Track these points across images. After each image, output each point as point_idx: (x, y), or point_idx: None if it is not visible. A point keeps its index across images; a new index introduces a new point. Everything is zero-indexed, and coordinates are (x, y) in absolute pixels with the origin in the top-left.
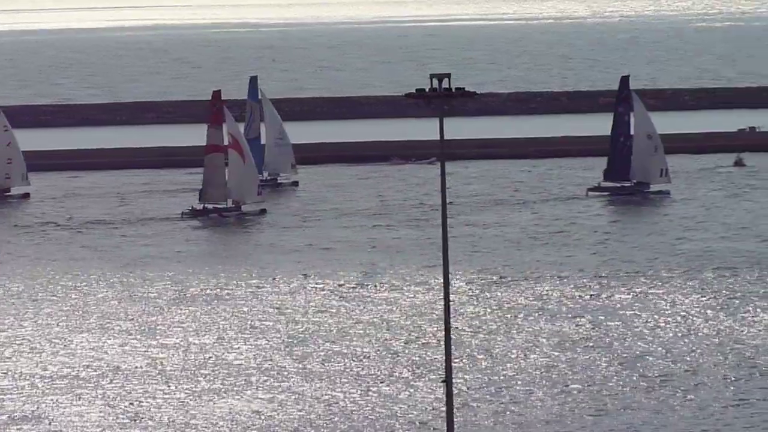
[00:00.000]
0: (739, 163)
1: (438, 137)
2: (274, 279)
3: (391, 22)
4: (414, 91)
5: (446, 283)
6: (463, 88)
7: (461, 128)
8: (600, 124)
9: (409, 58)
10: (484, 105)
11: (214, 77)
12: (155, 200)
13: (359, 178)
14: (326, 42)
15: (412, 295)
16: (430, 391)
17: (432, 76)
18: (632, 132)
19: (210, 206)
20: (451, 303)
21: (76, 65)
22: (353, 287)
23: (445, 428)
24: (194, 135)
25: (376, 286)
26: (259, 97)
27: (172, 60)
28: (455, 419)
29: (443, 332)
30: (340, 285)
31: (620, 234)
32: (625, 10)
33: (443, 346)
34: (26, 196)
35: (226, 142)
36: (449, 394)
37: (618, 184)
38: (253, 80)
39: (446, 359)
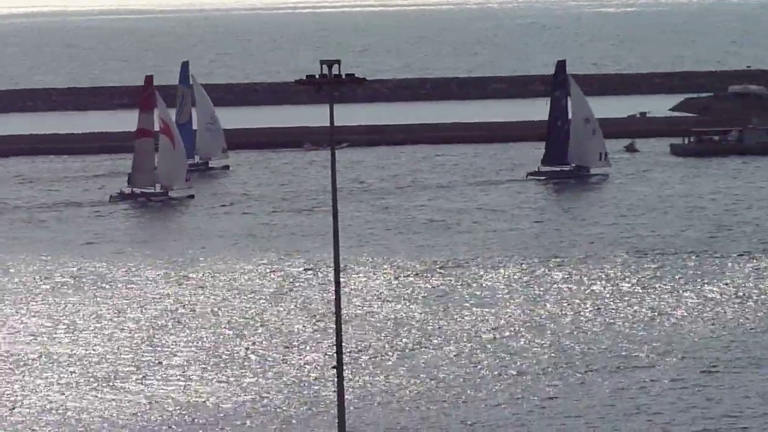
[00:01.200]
0: (630, 149)
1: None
2: (176, 265)
3: (284, 8)
4: (304, 78)
5: (337, 270)
6: (353, 75)
7: (353, 114)
8: (495, 111)
9: (302, 45)
10: (375, 92)
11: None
12: (85, 185)
13: (284, 163)
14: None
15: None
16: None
17: (322, 62)
18: (569, 116)
19: (138, 191)
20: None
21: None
22: (259, 274)
23: (337, 415)
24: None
25: (280, 272)
26: (191, 82)
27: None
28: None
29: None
30: (246, 272)
31: (553, 216)
32: None
33: (335, 332)
34: None
35: (156, 127)
36: (340, 382)
37: (557, 168)
38: (185, 65)
39: (337, 345)
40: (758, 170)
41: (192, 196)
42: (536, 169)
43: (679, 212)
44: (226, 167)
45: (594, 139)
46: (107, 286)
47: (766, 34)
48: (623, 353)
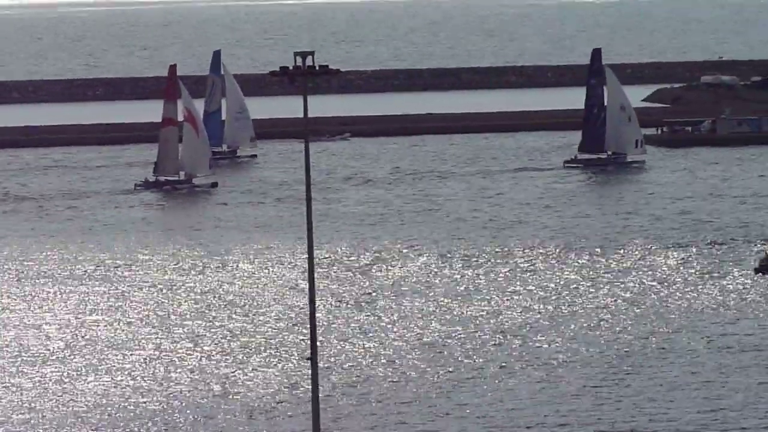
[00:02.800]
0: None
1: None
2: (183, 253)
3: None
4: (278, 69)
5: (311, 262)
6: (327, 66)
7: (328, 106)
8: (469, 100)
9: (273, 36)
10: (348, 83)
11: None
12: (112, 174)
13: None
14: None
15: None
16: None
17: (296, 54)
18: (606, 103)
19: (163, 179)
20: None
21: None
22: (256, 265)
23: (311, 406)
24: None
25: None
26: (222, 71)
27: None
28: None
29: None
30: (236, 263)
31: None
32: None
33: (309, 324)
34: None
35: (180, 117)
36: (314, 373)
37: (594, 156)
38: (216, 54)
39: (311, 337)
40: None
41: (215, 184)
42: (573, 157)
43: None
44: (254, 156)
45: (630, 126)
46: (114, 274)
47: (738, 25)
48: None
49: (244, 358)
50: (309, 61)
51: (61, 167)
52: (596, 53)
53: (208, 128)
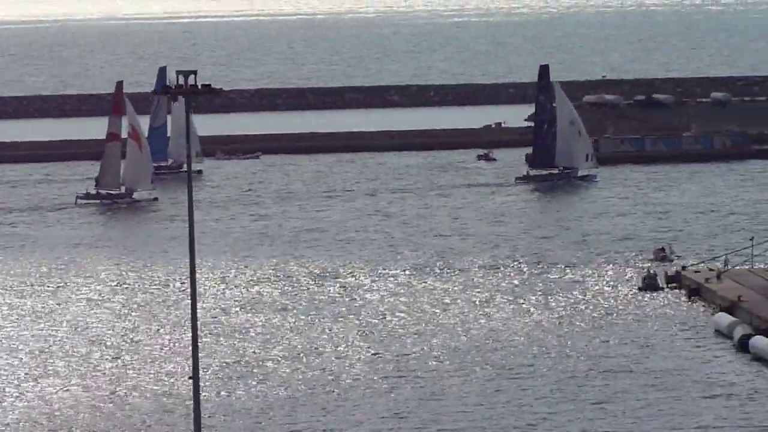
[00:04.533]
0: (485, 158)
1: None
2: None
3: (149, 18)
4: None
5: (192, 278)
6: (209, 85)
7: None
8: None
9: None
10: (231, 101)
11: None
12: (53, 189)
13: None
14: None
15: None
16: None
17: (178, 72)
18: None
19: (104, 192)
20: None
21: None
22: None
23: (192, 424)
24: (98, 127)
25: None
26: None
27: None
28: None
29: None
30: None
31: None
32: (380, 6)
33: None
34: None
35: (125, 133)
36: (196, 389)
37: (545, 171)
38: (162, 71)
39: (193, 358)
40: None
41: (156, 199)
42: (525, 173)
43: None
44: (200, 171)
45: (580, 140)
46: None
47: (623, 42)
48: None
49: (127, 374)
50: (191, 80)
51: (4, 183)
52: (544, 69)
53: (152, 143)
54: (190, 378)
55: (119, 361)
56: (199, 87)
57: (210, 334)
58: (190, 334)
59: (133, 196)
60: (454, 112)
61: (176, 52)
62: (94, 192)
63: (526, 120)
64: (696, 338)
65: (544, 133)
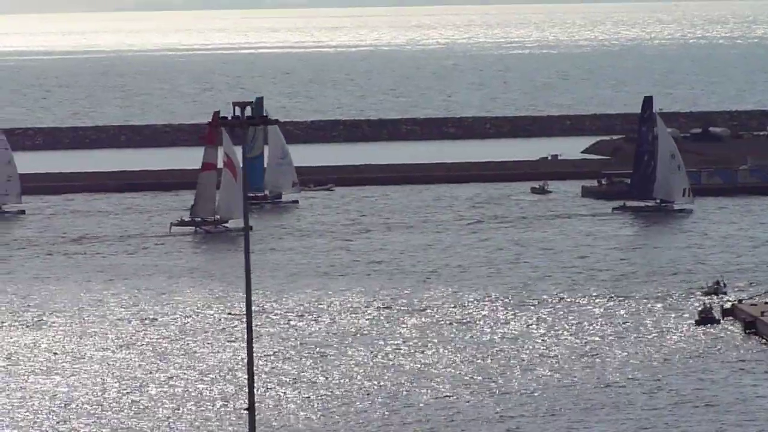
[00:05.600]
0: (539, 191)
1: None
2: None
3: (214, 49)
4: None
5: (249, 313)
6: (266, 115)
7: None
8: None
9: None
10: (287, 133)
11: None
12: (149, 218)
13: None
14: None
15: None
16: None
17: (235, 104)
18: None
19: (198, 219)
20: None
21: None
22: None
23: None
24: (194, 157)
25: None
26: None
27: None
28: None
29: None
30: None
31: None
32: (441, 39)
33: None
34: (21, 212)
35: (220, 163)
36: (252, 422)
37: (642, 203)
38: (259, 101)
39: (249, 387)
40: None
41: (251, 227)
42: (622, 204)
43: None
44: (296, 201)
45: (679, 174)
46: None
47: (684, 76)
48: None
49: (183, 406)
50: (247, 111)
51: (102, 212)
52: (647, 101)
53: (248, 174)
54: (246, 410)
55: (177, 391)
56: (256, 118)
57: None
58: (248, 365)
59: (227, 225)
60: (510, 144)
61: (240, 82)
62: (188, 220)
63: (582, 152)
64: (752, 372)
65: (644, 164)
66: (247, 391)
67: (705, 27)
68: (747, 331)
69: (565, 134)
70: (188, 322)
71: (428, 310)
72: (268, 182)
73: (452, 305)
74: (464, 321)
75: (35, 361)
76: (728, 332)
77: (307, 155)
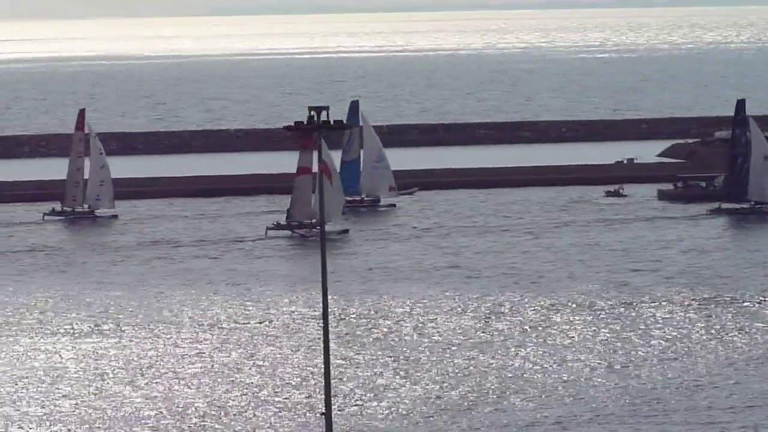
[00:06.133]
0: (615, 194)
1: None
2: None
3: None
4: (292, 124)
5: (325, 318)
6: (342, 121)
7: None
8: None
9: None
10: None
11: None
12: (246, 221)
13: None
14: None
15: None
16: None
17: (310, 108)
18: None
19: (295, 223)
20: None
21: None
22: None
23: None
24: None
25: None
26: (360, 122)
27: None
28: None
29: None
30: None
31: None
32: (519, 43)
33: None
34: (114, 217)
35: (315, 167)
36: (329, 426)
37: (737, 205)
38: (354, 104)
39: (326, 392)
40: None
41: (347, 231)
42: (718, 206)
43: None
44: (393, 205)
45: None
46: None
47: (760, 80)
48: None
49: (261, 412)
50: (323, 116)
51: (197, 216)
52: (740, 104)
53: (345, 177)
54: (322, 414)
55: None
56: (332, 123)
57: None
58: (324, 369)
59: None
60: (586, 147)
61: (319, 87)
62: (284, 223)
63: (657, 156)
64: None
65: (738, 167)
66: (323, 396)
67: None
68: None
69: (642, 138)
70: (275, 325)
71: (528, 313)
72: (364, 186)
73: (555, 310)
74: (546, 325)
75: (130, 365)
76: None
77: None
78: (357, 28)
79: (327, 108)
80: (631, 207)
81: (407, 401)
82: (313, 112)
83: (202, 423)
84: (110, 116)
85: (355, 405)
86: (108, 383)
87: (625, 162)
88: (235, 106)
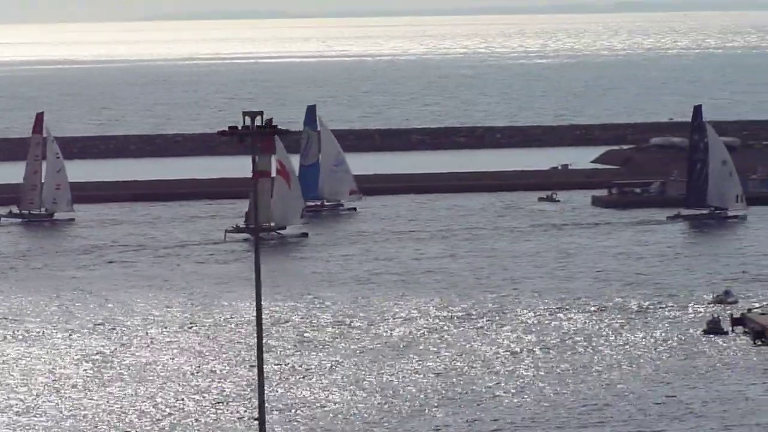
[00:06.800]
0: (549, 199)
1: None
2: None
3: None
4: (227, 129)
5: (259, 322)
6: (276, 126)
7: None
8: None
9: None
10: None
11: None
12: (203, 225)
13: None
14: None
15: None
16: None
17: (245, 113)
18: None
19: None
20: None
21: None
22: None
23: None
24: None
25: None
26: (318, 126)
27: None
28: None
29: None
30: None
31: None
32: (459, 48)
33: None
34: (71, 221)
35: (274, 171)
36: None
37: (696, 212)
38: (311, 109)
39: (259, 398)
40: None
41: (306, 234)
42: (677, 213)
43: None
44: (353, 209)
45: (731, 180)
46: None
47: (689, 86)
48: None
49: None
50: (258, 121)
51: (155, 220)
52: (697, 109)
53: (304, 182)
54: (255, 419)
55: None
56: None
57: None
58: (258, 374)
59: (280, 232)
60: (521, 153)
61: (260, 91)
62: (243, 226)
63: (592, 162)
64: (762, 381)
65: (697, 173)
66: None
67: (721, 37)
68: (757, 341)
69: (577, 144)
70: (227, 328)
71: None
72: (324, 190)
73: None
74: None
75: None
76: (736, 342)
77: None
78: (297, 33)
79: (261, 113)
80: (567, 214)
81: (349, 408)
82: (247, 117)
83: (138, 425)
84: (57, 121)
85: (292, 410)
86: (57, 387)
87: (560, 168)
88: (179, 111)
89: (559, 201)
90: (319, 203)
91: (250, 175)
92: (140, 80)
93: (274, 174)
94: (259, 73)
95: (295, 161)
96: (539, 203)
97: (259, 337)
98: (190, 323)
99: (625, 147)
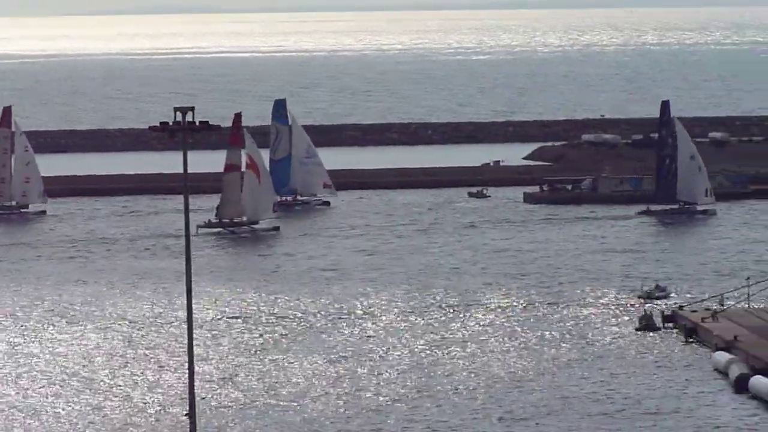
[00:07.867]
0: (478, 195)
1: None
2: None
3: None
4: (158, 124)
5: (189, 316)
6: (207, 122)
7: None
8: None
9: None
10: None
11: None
12: (176, 218)
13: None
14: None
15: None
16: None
17: (176, 109)
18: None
19: (226, 220)
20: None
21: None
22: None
23: None
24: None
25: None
26: (289, 121)
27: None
28: None
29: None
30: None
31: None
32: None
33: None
34: (42, 213)
35: (243, 165)
36: (192, 428)
37: (666, 207)
38: (280, 103)
39: (190, 393)
40: None
41: (277, 228)
42: (646, 208)
43: None
44: (327, 203)
45: (700, 175)
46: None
47: (623, 82)
48: None
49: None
50: (189, 117)
51: (126, 215)
52: (665, 105)
53: (275, 176)
54: (186, 415)
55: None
56: (197, 123)
57: None
58: (188, 371)
59: (253, 226)
60: (454, 150)
61: (207, 86)
62: (215, 221)
63: (524, 158)
64: (693, 378)
65: (666, 168)
66: (188, 396)
67: (659, 33)
68: (688, 339)
69: (509, 140)
70: (197, 323)
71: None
72: (296, 183)
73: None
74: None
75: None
76: (668, 339)
77: None
78: (237, 28)
79: (193, 108)
80: (500, 209)
81: (316, 404)
82: (179, 112)
83: (69, 424)
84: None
85: (225, 407)
86: (23, 381)
87: (492, 164)
88: (129, 104)
89: (489, 196)
90: (291, 198)
91: (219, 170)
92: (89, 74)
93: (243, 168)
94: (206, 67)
95: (265, 156)
96: (470, 199)
97: (190, 334)
98: (121, 319)
99: (557, 144)
